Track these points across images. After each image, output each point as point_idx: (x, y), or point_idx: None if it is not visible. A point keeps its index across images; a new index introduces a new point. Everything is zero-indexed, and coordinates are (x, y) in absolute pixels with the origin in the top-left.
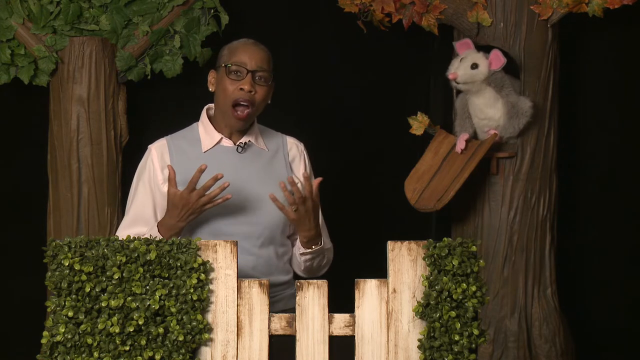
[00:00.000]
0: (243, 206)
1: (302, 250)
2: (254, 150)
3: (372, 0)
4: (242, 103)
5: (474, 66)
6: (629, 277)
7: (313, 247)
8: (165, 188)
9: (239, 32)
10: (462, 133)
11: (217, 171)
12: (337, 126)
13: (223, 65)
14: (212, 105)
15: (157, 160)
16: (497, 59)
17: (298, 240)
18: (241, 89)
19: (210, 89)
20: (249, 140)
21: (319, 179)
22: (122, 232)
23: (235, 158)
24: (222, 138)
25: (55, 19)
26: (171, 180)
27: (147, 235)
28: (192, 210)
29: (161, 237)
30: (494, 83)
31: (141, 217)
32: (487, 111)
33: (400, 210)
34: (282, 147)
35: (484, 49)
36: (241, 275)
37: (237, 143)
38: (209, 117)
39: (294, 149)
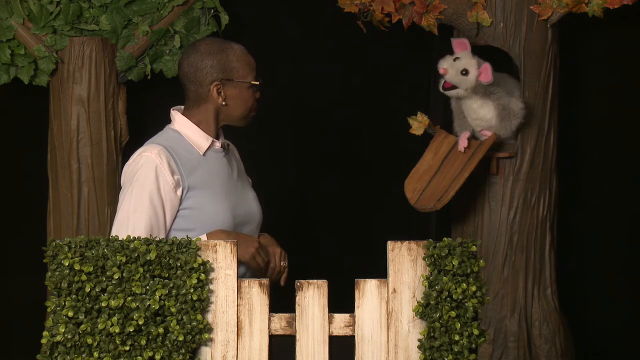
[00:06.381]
0: (243, 205)
1: None
2: (228, 151)
3: (372, 0)
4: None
5: (465, 72)
6: (629, 277)
7: None
8: (179, 192)
9: (239, 32)
10: (463, 132)
11: (218, 172)
12: (337, 126)
13: (247, 82)
14: (180, 108)
15: (165, 167)
16: (486, 74)
17: None
18: (257, 97)
19: (220, 101)
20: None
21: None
22: None
23: (225, 158)
24: (213, 140)
25: (55, 19)
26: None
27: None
28: (248, 254)
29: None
30: (480, 92)
31: (156, 226)
32: (479, 111)
33: (400, 210)
34: (230, 148)
35: (484, 49)
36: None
37: (222, 143)
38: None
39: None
